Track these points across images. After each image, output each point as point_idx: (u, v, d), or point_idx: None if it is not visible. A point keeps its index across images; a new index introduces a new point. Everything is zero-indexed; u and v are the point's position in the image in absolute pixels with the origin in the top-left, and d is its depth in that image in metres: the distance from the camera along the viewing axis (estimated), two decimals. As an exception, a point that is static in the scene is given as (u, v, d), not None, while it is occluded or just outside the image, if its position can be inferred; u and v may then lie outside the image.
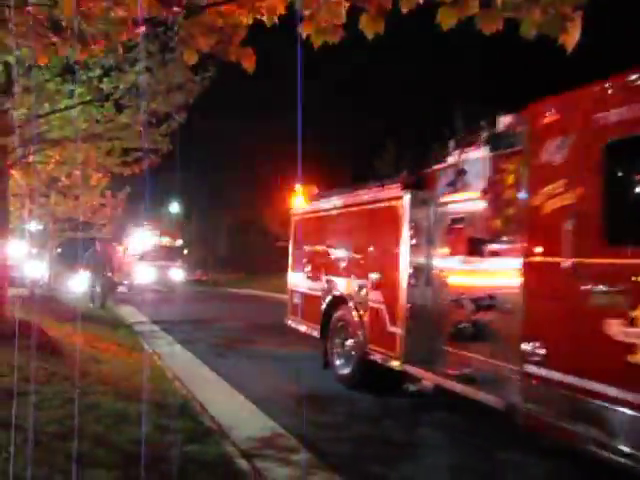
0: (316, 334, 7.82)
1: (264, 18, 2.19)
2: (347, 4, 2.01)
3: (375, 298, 6.49)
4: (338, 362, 7.33)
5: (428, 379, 5.94)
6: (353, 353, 6.95)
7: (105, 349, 7.89)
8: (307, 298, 8.34)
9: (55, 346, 6.67)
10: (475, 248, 5.14)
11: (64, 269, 23.63)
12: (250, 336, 11.47)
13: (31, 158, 8.10)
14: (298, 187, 8.76)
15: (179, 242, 29.79)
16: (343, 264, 7.30)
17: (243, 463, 4.26)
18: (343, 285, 7.28)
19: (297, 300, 8.70)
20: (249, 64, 2.22)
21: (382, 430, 5.50)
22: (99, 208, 18.67)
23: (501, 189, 5.04)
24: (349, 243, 7.25)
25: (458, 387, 5.12)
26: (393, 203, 6.30)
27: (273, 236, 33.82)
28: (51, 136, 7.86)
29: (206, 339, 10.90)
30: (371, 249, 6.75)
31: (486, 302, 5.05)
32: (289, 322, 8.90)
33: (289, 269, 9.10)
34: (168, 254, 28.41)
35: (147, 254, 27.50)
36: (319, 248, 8.15)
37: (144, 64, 7.37)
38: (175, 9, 2.19)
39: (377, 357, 6.36)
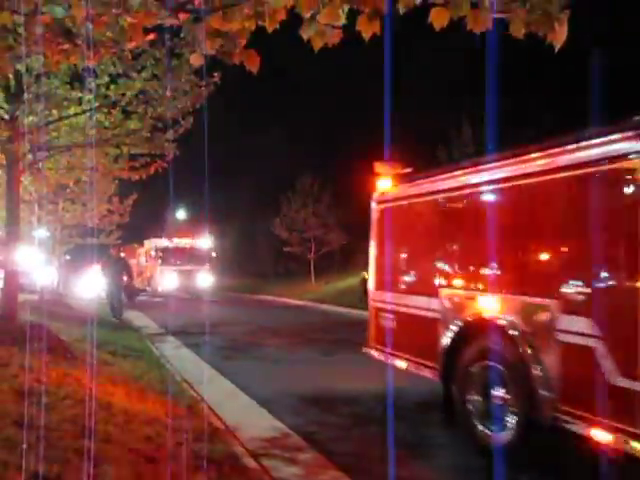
0: (431, 375, 5.47)
1: (266, 24, 2.26)
2: (345, 6, 2.08)
3: (581, 328, 3.90)
4: (481, 422, 4.82)
5: None
6: (515, 413, 4.48)
7: (114, 352, 7.98)
8: (409, 321, 5.88)
9: (66, 349, 6.76)
10: None
11: (73, 275, 23.83)
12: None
13: (40, 164, 8.23)
14: (382, 166, 6.43)
15: (207, 243, 27.09)
16: (492, 271, 4.78)
17: (250, 462, 4.32)
18: (492, 305, 4.73)
19: (388, 323, 6.19)
20: (253, 66, 2.29)
21: (390, 430, 5.53)
22: (106, 214, 18.83)
23: None
24: (512, 238, 4.62)
25: None
26: (623, 164, 3.71)
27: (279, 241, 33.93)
28: (60, 142, 7.99)
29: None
30: (570, 247, 4.21)
31: None
32: (372, 352, 6.51)
33: (370, 278, 6.70)
34: (195, 257, 26.04)
35: (171, 257, 25.53)
36: (435, 248, 5.63)
37: (151, 71, 7.50)
38: (181, 15, 2.27)
39: (581, 428, 3.88)
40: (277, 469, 4.24)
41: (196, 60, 2.38)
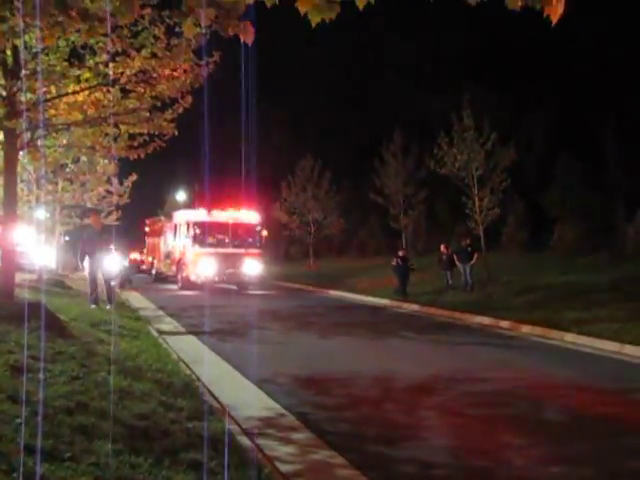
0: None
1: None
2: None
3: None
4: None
5: None
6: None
7: (111, 332, 8.00)
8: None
9: (62, 327, 6.77)
10: None
11: (71, 256, 23.84)
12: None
13: (40, 142, 8.18)
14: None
15: (256, 218, 20.84)
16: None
17: (245, 440, 4.35)
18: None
19: None
20: (248, 38, 2.26)
21: (383, 412, 5.58)
22: (106, 195, 18.81)
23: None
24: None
25: None
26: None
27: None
28: (58, 121, 7.93)
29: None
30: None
31: None
32: None
33: None
34: (242, 235, 20.22)
35: (210, 235, 19.75)
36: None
37: (150, 49, 7.42)
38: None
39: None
40: (271, 448, 4.27)
41: (190, 30, 2.34)
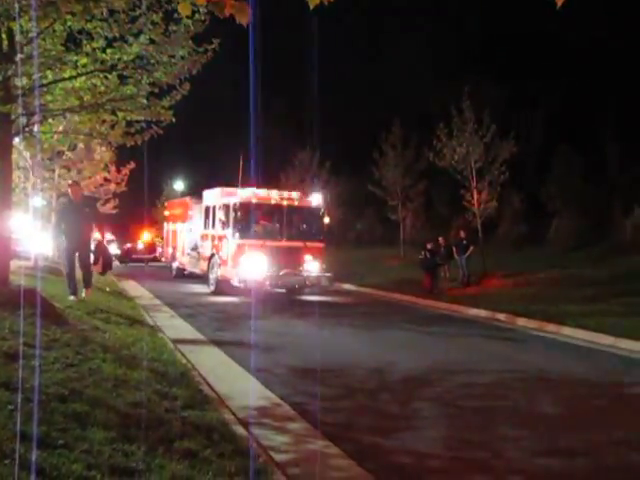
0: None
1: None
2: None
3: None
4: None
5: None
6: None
7: (107, 319, 7.96)
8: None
9: (57, 314, 6.74)
10: None
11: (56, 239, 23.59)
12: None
13: (36, 127, 8.09)
14: None
15: (318, 200, 15.62)
16: None
17: (240, 429, 4.33)
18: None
19: None
20: (244, 18, 2.21)
21: (377, 402, 5.57)
22: (103, 183, 18.72)
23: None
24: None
25: None
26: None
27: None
28: (55, 106, 7.85)
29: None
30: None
31: None
32: None
33: None
34: (301, 224, 15.34)
35: (259, 222, 14.73)
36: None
37: (148, 35, 7.34)
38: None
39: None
40: (266, 437, 4.25)
41: (185, 10, 2.29)
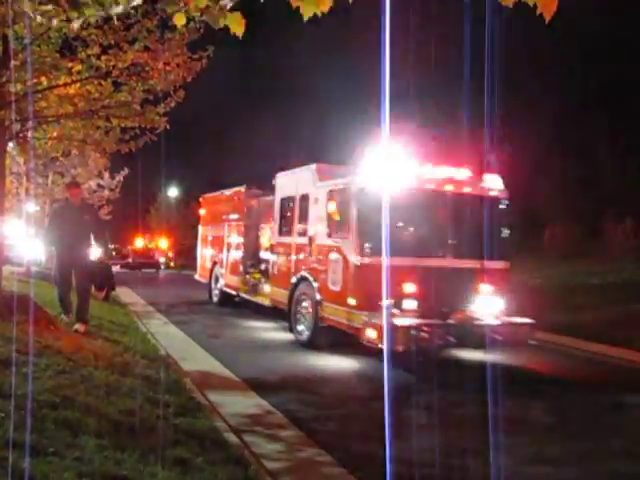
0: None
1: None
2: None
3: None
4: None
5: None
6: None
7: (99, 325, 7.93)
8: None
9: (50, 321, 6.70)
10: None
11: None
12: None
13: (30, 133, 8.08)
14: None
15: (498, 184, 8.54)
16: None
17: (232, 437, 4.32)
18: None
19: None
20: (238, 29, 2.23)
21: (369, 409, 5.57)
22: (97, 189, 18.67)
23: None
24: None
25: None
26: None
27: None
28: (49, 113, 7.85)
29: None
30: None
31: None
32: None
33: None
34: (470, 233, 8.09)
35: (401, 234, 7.84)
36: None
37: (143, 42, 7.36)
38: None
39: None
40: (258, 445, 4.25)
41: (180, 20, 2.31)
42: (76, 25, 2.43)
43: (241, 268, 12.39)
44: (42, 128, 8.34)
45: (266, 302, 10.75)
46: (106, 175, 18.60)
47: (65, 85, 7.65)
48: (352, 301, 7.73)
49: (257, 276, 11.83)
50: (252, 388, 5.92)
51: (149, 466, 3.23)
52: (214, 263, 14.30)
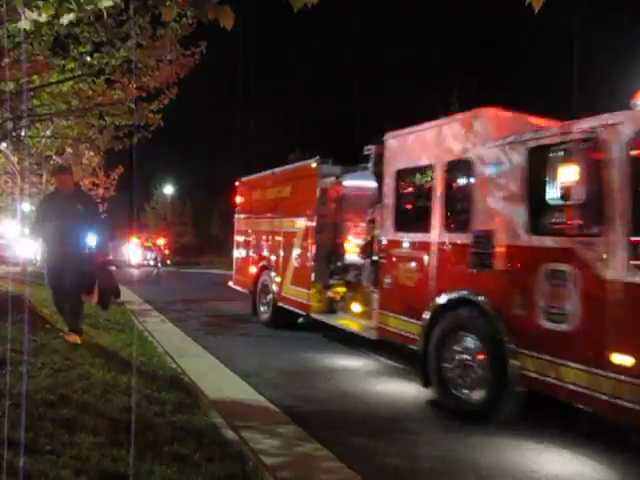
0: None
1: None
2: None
3: None
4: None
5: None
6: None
7: (96, 325, 7.91)
8: None
9: (45, 320, 6.68)
10: None
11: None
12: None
13: (24, 132, 8.05)
14: None
15: None
16: None
17: (230, 433, 4.32)
18: None
19: None
20: (227, 23, 2.22)
21: (367, 404, 5.58)
22: (92, 188, 18.64)
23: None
24: None
25: None
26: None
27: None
28: (42, 111, 7.83)
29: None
30: None
31: None
32: None
33: None
34: None
35: None
36: None
37: (135, 39, 7.33)
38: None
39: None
40: (256, 441, 4.25)
41: (168, 14, 2.30)
42: (65, 20, 2.38)
43: (312, 277, 8.54)
44: (35, 126, 8.31)
45: (366, 333, 7.07)
46: (100, 173, 18.56)
47: (58, 83, 7.63)
48: (622, 360, 4.01)
49: (341, 290, 8.36)
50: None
51: (147, 463, 3.23)
52: (262, 268, 10.48)
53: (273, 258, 9.99)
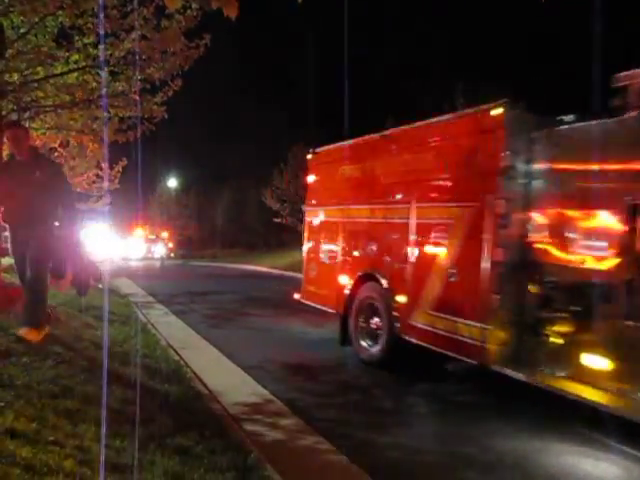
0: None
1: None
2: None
3: None
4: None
5: None
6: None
7: (99, 317, 7.93)
8: None
9: (49, 311, 6.69)
10: None
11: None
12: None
13: (27, 124, 8.05)
14: None
15: None
16: None
17: (232, 426, 4.33)
18: None
19: None
20: (232, 11, 2.20)
21: (370, 398, 5.59)
22: (95, 180, 18.59)
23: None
24: None
25: None
26: None
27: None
28: (46, 102, 7.81)
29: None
30: None
31: None
32: None
33: None
34: None
35: None
36: None
37: (139, 31, 7.30)
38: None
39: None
40: (259, 434, 4.27)
41: (172, 4, 2.28)
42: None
43: (493, 302, 5.16)
44: (39, 118, 8.30)
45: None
46: (105, 166, 18.48)
47: (62, 74, 7.60)
48: None
49: (560, 329, 4.86)
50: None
51: (149, 455, 3.24)
52: (362, 279, 7.21)
53: (392, 266, 6.63)
